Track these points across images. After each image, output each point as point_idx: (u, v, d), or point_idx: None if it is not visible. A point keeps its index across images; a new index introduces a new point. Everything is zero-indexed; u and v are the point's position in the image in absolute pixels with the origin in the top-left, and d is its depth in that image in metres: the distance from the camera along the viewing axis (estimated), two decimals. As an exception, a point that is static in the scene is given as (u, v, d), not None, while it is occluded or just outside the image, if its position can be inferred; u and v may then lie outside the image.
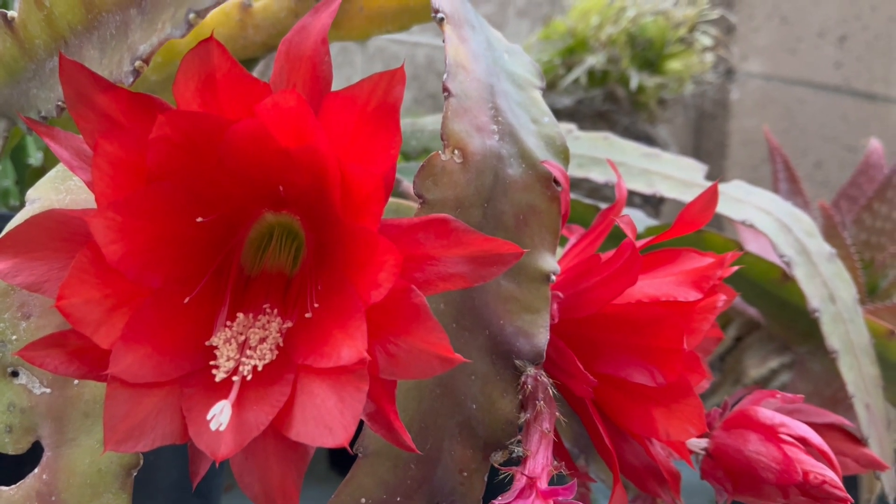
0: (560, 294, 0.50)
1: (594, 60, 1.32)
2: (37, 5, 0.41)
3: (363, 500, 0.44)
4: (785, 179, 1.14)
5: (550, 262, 0.48)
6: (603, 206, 0.64)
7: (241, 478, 0.38)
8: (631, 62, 1.34)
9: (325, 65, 0.39)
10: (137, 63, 0.36)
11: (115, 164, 0.33)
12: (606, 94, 1.35)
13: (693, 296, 0.47)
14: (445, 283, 0.38)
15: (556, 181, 0.49)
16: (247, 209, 0.40)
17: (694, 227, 0.52)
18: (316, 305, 0.38)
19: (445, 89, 0.46)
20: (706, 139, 2.01)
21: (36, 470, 0.40)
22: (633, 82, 1.32)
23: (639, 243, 0.56)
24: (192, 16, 0.33)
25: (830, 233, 1.05)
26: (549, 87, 1.43)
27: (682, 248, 0.52)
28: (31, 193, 0.43)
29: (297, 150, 0.35)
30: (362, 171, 0.34)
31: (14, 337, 0.41)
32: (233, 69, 0.34)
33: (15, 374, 0.41)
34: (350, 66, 1.73)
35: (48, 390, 0.40)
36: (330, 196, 0.36)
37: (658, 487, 0.53)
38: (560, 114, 1.38)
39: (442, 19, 0.47)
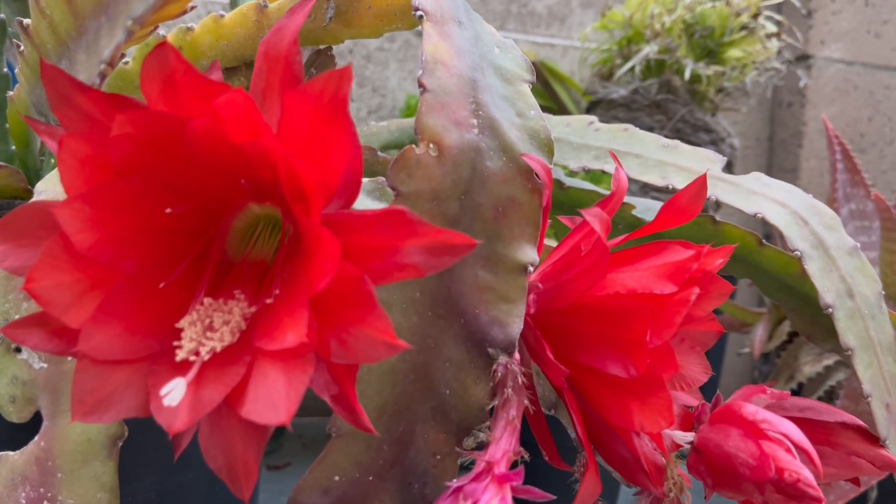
0: (540, 285, 0.50)
1: (649, 50, 1.30)
2: (41, 14, 0.45)
3: (337, 478, 0.46)
4: (844, 170, 1.09)
5: (529, 254, 0.49)
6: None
7: (207, 450, 0.40)
8: (688, 51, 1.31)
9: (297, 64, 0.42)
10: (102, 66, 0.39)
11: (82, 160, 0.36)
12: (661, 84, 1.32)
13: (668, 288, 0.47)
14: (401, 273, 0.39)
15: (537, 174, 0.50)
16: (228, 200, 0.43)
17: (683, 217, 0.52)
18: (276, 292, 0.40)
19: (421, 85, 0.47)
20: (781, 128, 1.93)
21: (36, 437, 0.45)
22: (687, 71, 1.29)
23: (637, 235, 0.56)
24: (129, 22, 0.36)
25: (887, 225, 1.00)
26: (606, 78, 1.41)
27: (670, 240, 0.51)
28: (40, 185, 0.47)
29: (249, 146, 0.37)
30: (306, 165, 0.36)
31: (17, 316, 0.45)
32: (189, 70, 0.37)
33: (18, 349, 0.45)
34: (413, 60, 1.75)
35: (45, 365, 0.44)
36: (282, 188, 0.38)
37: (647, 480, 0.53)
38: (615, 104, 1.37)
39: (421, 17, 0.49)
